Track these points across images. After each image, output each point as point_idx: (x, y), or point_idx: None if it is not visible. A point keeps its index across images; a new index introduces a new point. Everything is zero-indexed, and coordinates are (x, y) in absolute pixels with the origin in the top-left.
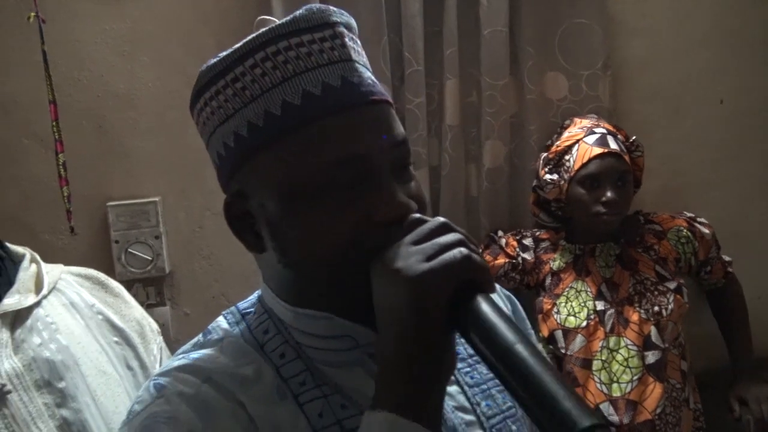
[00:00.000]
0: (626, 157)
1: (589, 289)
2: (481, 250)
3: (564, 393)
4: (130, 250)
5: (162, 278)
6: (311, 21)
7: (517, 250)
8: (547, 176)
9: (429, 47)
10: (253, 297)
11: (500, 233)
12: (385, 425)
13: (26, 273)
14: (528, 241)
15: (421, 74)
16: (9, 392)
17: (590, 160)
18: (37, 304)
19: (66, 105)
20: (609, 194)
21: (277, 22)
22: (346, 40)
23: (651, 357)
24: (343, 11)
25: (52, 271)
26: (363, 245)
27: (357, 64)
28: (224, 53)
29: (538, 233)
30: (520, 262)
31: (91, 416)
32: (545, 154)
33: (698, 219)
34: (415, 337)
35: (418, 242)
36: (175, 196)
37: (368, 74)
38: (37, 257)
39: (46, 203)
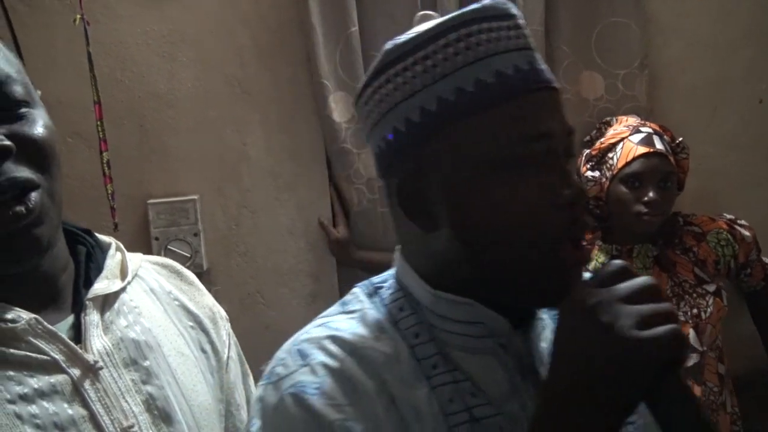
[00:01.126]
0: (671, 159)
1: None
2: None
3: None
4: (169, 246)
5: (200, 275)
6: (497, 11)
7: None
8: (589, 173)
9: None
10: (386, 274)
11: None
12: None
13: (113, 260)
14: None
15: None
16: (101, 368)
17: (635, 158)
18: (123, 289)
19: (108, 105)
20: (651, 194)
21: (438, 17)
22: (525, 30)
23: (689, 360)
24: (515, 7)
25: (134, 259)
26: (540, 219)
27: (537, 54)
28: (412, 33)
29: None
30: None
31: (173, 393)
32: (587, 151)
33: (739, 221)
34: (604, 400)
35: (628, 299)
36: (212, 194)
37: (545, 65)
38: (122, 246)
39: (90, 201)
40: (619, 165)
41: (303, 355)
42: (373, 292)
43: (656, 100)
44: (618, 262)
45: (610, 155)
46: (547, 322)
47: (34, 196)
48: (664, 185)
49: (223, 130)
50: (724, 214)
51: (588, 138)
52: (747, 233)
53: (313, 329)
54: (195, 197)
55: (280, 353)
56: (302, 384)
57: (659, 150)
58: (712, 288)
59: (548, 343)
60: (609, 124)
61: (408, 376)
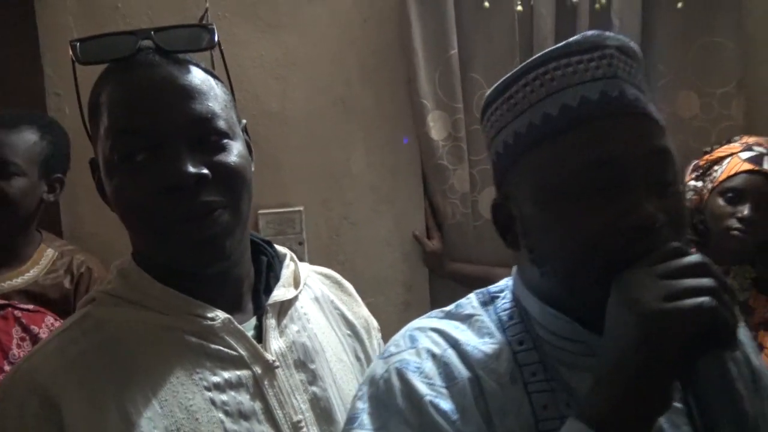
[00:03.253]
0: None
1: None
2: None
3: None
4: None
5: None
6: (582, 45)
7: None
8: (692, 183)
9: None
10: (503, 282)
11: None
12: None
13: (288, 270)
14: None
15: None
16: (277, 367)
17: (737, 173)
18: (296, 297)
19: None
20: (747, 212)
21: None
22: (615, 60)
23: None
24: (619, 36)
25: (304, 269)
26: (601, 249)
27: (621, 81)
28: (507, 75)
29: None
30: None
31: (333, 395)
32: (696, 161)
33: None
34: (634, 374)
35: (666, 275)
36: (317, 205)
37: (633, 90)
38: (295, 257)
39: None
40: (721, 178)
41: (413, 339)
42: (489, 301)
43: (754, 119)
44: (697, 256)
45: (716, 168)
46: None
47: (218, 213)
48: (765, 206)
49: (329, 147)
50: None
51: (708, 148)
52: None
53: (427, 320)
54: (301, 208)
55: (396, 337)
56: (407, 362)
57: (765, 170)
58: None
59: None
60: (730, 142)
61: (504, 376)
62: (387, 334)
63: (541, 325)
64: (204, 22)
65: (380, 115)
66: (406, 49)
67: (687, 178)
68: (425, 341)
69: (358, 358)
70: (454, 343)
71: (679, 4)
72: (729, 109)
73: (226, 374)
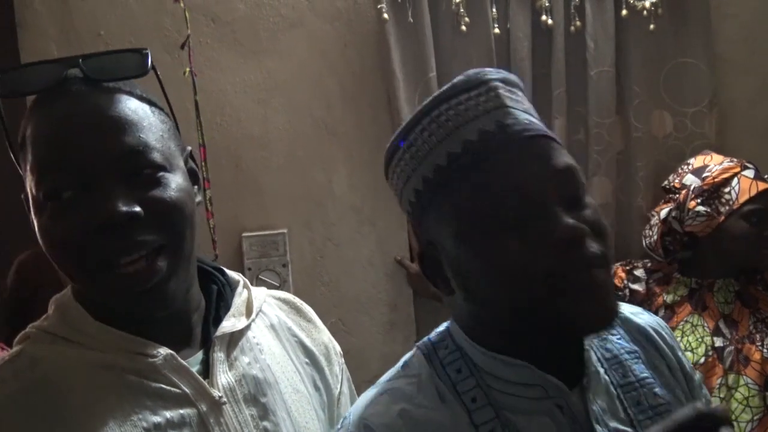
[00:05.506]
0: None
1: (706, 325)
2: None
3: None
4: (260, 276)
5: None
6: (468, 84)
7: (625, 281)
8: (700, 208)
9: (537, 88)
10: (441, 329)
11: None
12: None
13: (240, 298)
14: (639, 272)
15: None
16: (224, 403)
17: (758, 194)
18: (248, 326)
19: (209, 146)
20: None
21: None
22: (500, 91)
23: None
24: (500, 70)
25: (259, 296)
26: (533, 269)
27: (512, 109)
28: (401, 127)
29: (649, 264)
30: (627, 294)
31: (287, 429)
32: (696, 185)
33: None
34: None
35: None
36: (300, 227)
37: (525, 116)
38: (248, 283)
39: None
40: (741, 200)
41: (366, 427)
42: (433, 354)
43: (726, 137)
44: (697, 405)
45: (726, 190)
46: (602, 377)
47: (160, 258)
48: None
49: (311, 169)
50: None
51: (667, 182)
52: None
53: (377, 398)
54: (284, 231)
55: (350, 426)
56: None
57: None
58: None
59: (604, 400)
60: (688, 162)
61: None
62: (371, 355)
63: (490, 375)
64: (185, 47)
65: (362, 137)
66: (386, 73)
67: (691, 203)
68: (374, 417)
69: (317, 388)
70: (412, 426)
71: (651, 26)
72: (702, 127)
73: (169, 414)
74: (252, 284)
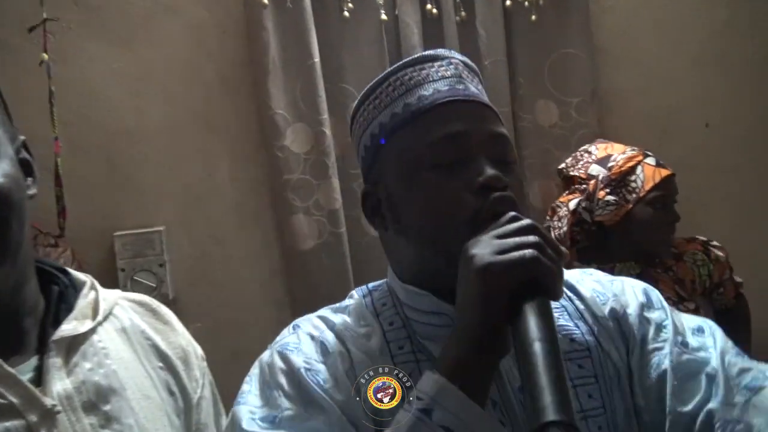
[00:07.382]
0: None
1: None
2: None
3: (552, 389)
4: (135, 277)
5: (166, 304)
6: (434, 57)
7: None
8: (609, 197)
9: None
10: (383, 280)
11: None
12: (435, 385)
13: (85, 300)
14: None
15: None
16: (59, 412)
17: (661, 181)
18: (93, 330)
19: (77, 141)
20: (674, 214)
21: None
22: (460, 67)
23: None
24: (463, 55)
25: (109, 298)
26: (458, 211)
27: (465, 80)
28: (372, 82)
29: None
30: None
31: None
32: (603, 175)
33: (711, 242)
34: (475, 322)
35: (501, 236)
36: (179, 225)
37: (475, 89)
38: (97, 284)
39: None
40: (647, 187)
41: (295, 327)
42: (368, 293)
43: (608, 126)
44: (527, 220)
45: (632, 178)
46: None
47: None
48: (674, 204)
49: (190, 163)
50: (698, 237)
51: (564, 165)
52: (720, 254)
53: (311, 314)
54: (161, 228)
55: (283, 330)
56: (287, 344)
57: (672, 172)
58: (692, 306)
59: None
60: (588, 152)
61: (374, 351)
62: (258, 354)
63: (408, 306)
64: (39, 32)
65: (243, 129)
66: (263, 60)
67: (600, 193)
68: (306, 326)
69: (171, 393)
70: (331, 326)
71: (533, 17)
72: (586, 116)
73: None
74: (127, 285)
